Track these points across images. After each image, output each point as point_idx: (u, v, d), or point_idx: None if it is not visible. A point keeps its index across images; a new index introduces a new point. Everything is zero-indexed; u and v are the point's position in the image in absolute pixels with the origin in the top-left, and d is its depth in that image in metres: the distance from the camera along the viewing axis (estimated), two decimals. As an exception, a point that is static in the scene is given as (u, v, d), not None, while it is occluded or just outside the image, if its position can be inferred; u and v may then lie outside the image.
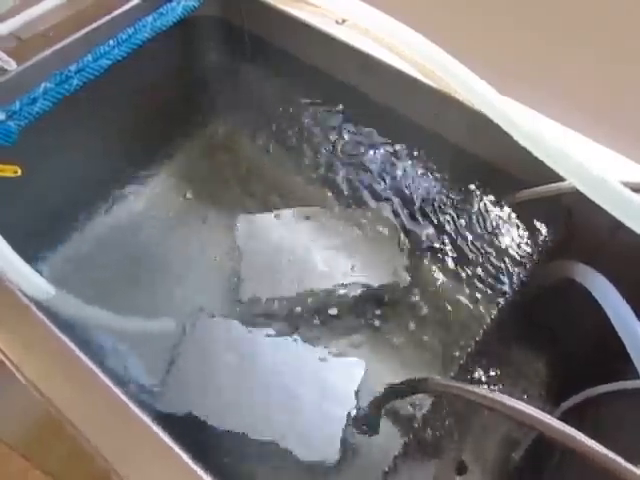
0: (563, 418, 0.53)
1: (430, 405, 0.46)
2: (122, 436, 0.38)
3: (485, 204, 0.60)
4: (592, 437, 0.31)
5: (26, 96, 0.53)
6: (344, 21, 0.62)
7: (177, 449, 0.38)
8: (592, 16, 0.48)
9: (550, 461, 0.56)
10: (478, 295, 0.59)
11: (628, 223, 0.41)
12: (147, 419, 0.39)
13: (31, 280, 0.45)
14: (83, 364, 0.41)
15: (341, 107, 0.69)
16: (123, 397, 0.39)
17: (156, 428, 0.38)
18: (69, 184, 0.65)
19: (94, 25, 0.60)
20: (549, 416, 0.31)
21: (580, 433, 0.30)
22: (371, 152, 0.68)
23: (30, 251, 0.58)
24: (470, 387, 0.36)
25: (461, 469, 0.58)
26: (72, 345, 0.42)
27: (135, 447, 0.38)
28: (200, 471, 0.37)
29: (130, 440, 0.38)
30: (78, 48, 0.58)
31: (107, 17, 0.61)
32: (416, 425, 0.45)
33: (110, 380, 0.40)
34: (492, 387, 0.60)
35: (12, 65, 0.56)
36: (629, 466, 0.29)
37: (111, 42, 0.58)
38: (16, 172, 0.51)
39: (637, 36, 0.46)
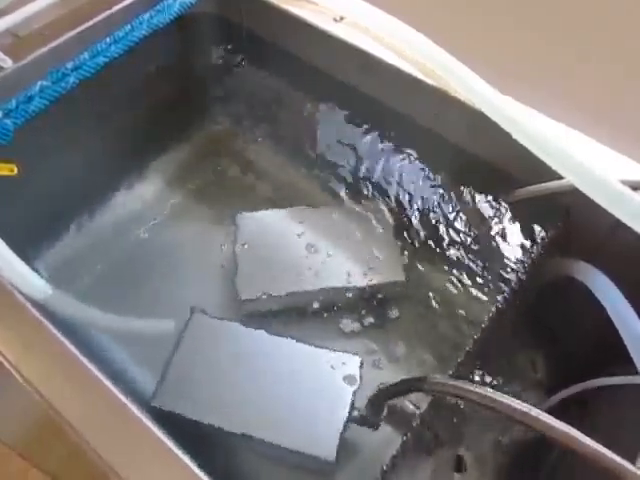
0: (556, 411, 0.53)
1: (429, 404, 0.46)
2: (121, 437, 0.38)
3: (484, 202, 0.60)
4: (588, 431, 0.31)
5: (22, 94, 0.53)
6: (342, 19, 0.62)
7: (177, 450, 0.37)
8: (592, 16, 0.48)
9: (549, 456, 0.56)
10: (477, 293, 0.59)
11: (628, 222, 0.41)
12: (146, 419, 0.39)
13: (29, 279, 0.45)
14: (81, 364, 0.41)
15: (340, 106, 0.69)
16: (122, 397, 0.39)
17: (155, 429, 0.38)
18: (66, 183, 0.65)
19: (90, 22, 0.60)
20: (550, 416, 0.31)
21: (582, 434, 0.30)
22: (370, 151, 0.68)
23: (27, 250, 0.58)
24: (469, 386, 0.36)
25: (460, 466, 0.58)
26: (70, 345, 0.41)
27: (134, 448, 0.38)
28: (200, 472, 0.37)
29: (129, 441, 0.38)
30: (74, 46, 0.57)
31: (103, 14, 0.61)
32: (415, 424, 0.45)
33: (109, 380, 0.40)
34: (491, 385, 0.60)
35: (8, 63, 0.56)
36: (629, 466, 0.29)
37: (108, 40, 0.58)
38: (12, 171, 0.51)
39: (637, 36, 0.46)
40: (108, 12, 0.61)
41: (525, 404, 0.32)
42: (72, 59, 0.56)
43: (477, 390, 0.35)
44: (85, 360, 0.41)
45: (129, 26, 0.59)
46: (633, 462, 0.31)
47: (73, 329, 0.48)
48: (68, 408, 0.39)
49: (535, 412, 0.31)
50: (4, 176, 0.51)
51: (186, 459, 0.37)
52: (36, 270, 0.47)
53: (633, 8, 0.45)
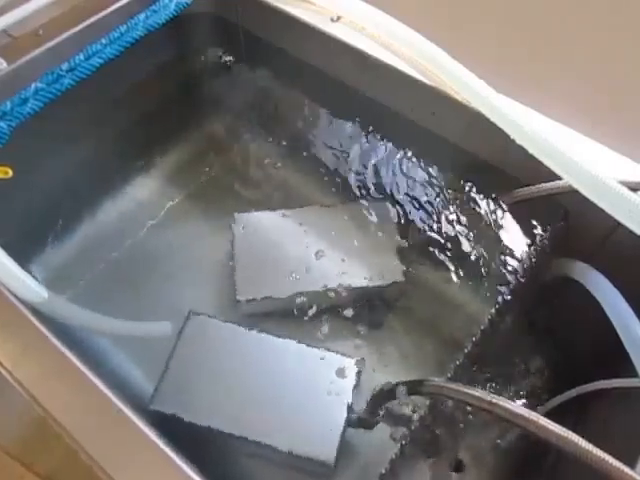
0: (555, 413, 0.53)
1: (427, 406, 0.45)
2: (117, 441, 0.38)
3: (483, 203, 0.60)
4: (587, 434, 0.31)
5: (17, 96, 0.53)
6: (339, 18, 0.62)
7: (173, 454, 0.37)
8: (592, 16, 0.48)
9: (548, 457, 0.56)
10: (475, 295, 0.59)
11: (626, 222, 0.41)
12: (143, 424, 0.38)
13: (24, 283, 0.45)
14: (77, 368, 0.40)
15: (338, 105, 0.69)
16: (118, 402, 0.39)
17: (152, 434, 0.38)
18: (63, 185, 0.65)
19: (86, 23, 0.60)
20: (549, 421, 0.31)
21: (582, 439, 0.30)
22: (367, 150, 0.68)
23: (24, 253, 0.58)
24: (467, 389, 0.36)
25: (458, 467, 0.58)
26: (66, 349, 0.41)
27: (131, 453, 0.38)
28: (197, 478, 0.36)
29: (126, 446, 0.38)
30: (70, 47, 0.57)
31: (99, 15, 0.60)
32: (413, 427, 0.45)
33: (105, 384, 0.40)
34: (489, 387, 0.60)
35: (2, 64, 0.55)
36: (629, 471, 0.29)
37: (103, 40, 0.57)
38: (7, 173, 0.51)
39: (637, 35, 0.46)
40: (103, 13, 0.61)
41: (524, 408, 0.32)
42: (67, 60, 0.55)
43: (476, 393, 0.35)
44: (81, 364, 0.40)
45: (125, 27, 0.59)
46: (633, 465, 0.30)
47: (69, 333, 0.48)
48: (64, 413, 0.39)
49: (534, 416, 0.31)
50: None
51: (183, 465, 0.37)
52: (32, 273, 0.47)
53: (633, 8, 0.45)
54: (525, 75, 0.54)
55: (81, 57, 0.56)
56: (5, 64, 0.55)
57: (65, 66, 0.55)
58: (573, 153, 0.43)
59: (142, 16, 0.60)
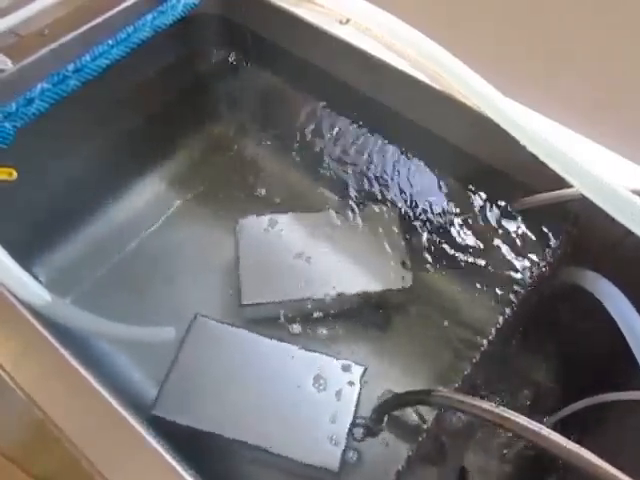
0: (563, 424, 0.52)
1: (434, 417, 0.45)
2: (118, 448, 0.38)
3: (491, 209, 0.59)
4: (596, 446, 0.30)
5: (22, 97, 0.52)
6: (348, 21, 0.61)
7: (173, 461, 0.37)
8: (592, 15, 0.47)
9: (554, 468, 0.55)
10: (483, 303, 0.58)
11: (637, 231, 0.40)
12: (143, 429, 0.38)
13: (27, 286, 0.44)
14: (78, 372, 0.40)
15: (344, 108, 0.68)
16: (119, 408, 0.39)
17: (153, 440, 0.37)
18: (66, 187, 0.64)
19: (92, 23, 0.59)
20: (558, 435, 0.30)
21: (588, 452, 0.29)
22: (373, 154, 0.67)
23: (26, 256, 0.57)
24: (476, 401, 0.35)
25: (464, 475, 0.57)
26: (68, 353, 0.41)
27: (131, 459, 0.37)
28: (196, 483, 0.36)
29: (126, 452, 0.37)
30: (76, 47, 0.57)
31: (106, 15, 0.60)
32: (421, 438, 0.44)
33: (106, 389, 0.39)
34: (497, 396, 0.59)
35: (8, 64, 0.55)
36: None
37: (110, 41, 0.57)
38: (11, 174, 0.50)
39: (637, 34, 0.45)
40: (110, 13, 0.60)
41: (534, 422, 0.31)
42: (73, 61, 0.55)
43: (484, 406, 0.34)
44: (82, 369, 0.40)
45: (131, 27, 0.58)
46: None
47: (70, 335, 0.47)
48: (63, 417, 0.38)
49: (545, 431, 0.30)
50: (3, 181, 0.50)
51: (183, 472, 0.36)
52: (35, 276, 0.46)
53: (633, 8, 0.44)
54: (523, 74, 0.53)
55: (87, 58, 0.55)
56: (10, 64, 0.55)
57: (71, 67, 0.54)
58: (584, 161, 0.43)
59: (149, 17, 0.60)
